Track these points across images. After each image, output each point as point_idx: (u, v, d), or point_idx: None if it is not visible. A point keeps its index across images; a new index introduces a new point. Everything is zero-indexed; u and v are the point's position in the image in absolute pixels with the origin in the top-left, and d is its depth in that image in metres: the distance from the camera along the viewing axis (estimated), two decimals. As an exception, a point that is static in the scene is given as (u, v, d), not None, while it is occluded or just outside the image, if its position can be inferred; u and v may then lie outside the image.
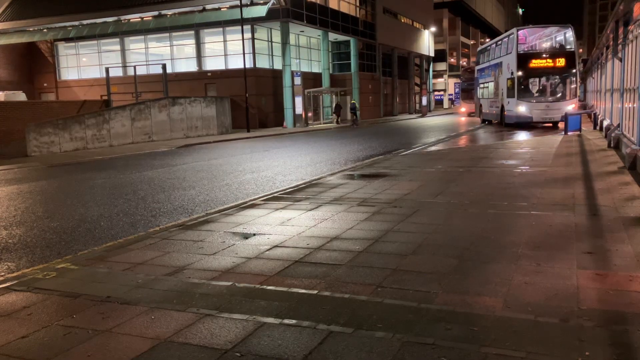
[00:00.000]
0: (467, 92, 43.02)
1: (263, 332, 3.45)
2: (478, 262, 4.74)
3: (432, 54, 61.69)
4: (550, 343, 3.15)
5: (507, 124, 25.21)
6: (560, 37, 25.50)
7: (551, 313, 3.57)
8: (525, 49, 25.58)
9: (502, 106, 25.91)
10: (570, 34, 24.38)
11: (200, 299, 4.10)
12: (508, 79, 24.79)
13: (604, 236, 5.45)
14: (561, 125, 21.70)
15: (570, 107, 23.11)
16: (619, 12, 12.20)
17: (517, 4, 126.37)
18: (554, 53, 24.41)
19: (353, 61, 43.04)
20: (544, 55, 24.42)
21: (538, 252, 4.95)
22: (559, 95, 24.15)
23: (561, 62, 23.74)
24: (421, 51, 58.21)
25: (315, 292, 4.15)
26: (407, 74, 56.01)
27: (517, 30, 25.21)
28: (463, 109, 44.60)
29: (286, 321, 3.61)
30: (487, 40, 67.32)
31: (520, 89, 23.92)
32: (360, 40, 43.99)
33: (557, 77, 24.29)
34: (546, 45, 26.95)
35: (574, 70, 23.81)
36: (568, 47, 24.39)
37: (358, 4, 44.14)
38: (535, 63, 23.92)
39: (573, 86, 23.90)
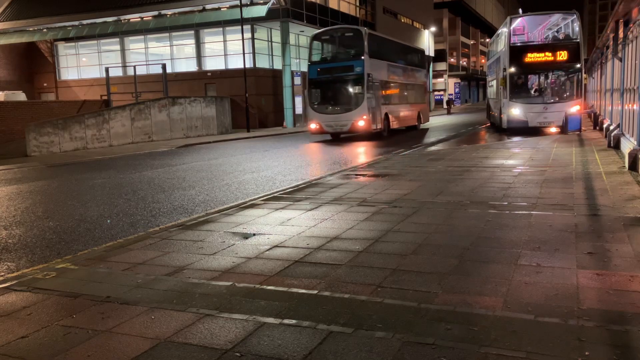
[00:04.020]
0: (322, 88, 22.39)
1: (263, 332, 3.45)
2: (478, 262, 4.74)
3: (432, 54, 61.66)
4: (550, 343, 3.15)
5: (502, 129, 21.73)
6: (563, 26, 22.11)
7: (551, 313, 3.57)
8: (520, 40, 21.95)
9: (501, 108, 22.11)
10: (575, 22, 20.39)
11: (200, 299, 4.10)
12: (501, 76, 21.21)
13: (604, 236, 5.45)
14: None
15: (574, 109, 19.57)
16: (619, 12, 12.20)
17: (517, 3, 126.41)
18: (554, 45, 20.65)
19: (353, 61, 42.89)
20: (542, 48, 20.59)
21: (538, 252, 4.95)
22: (559, 95, 20.77)
23: (563, 55, 19.81)
24: (421, 51, 58.11)
25: (315, 292, 4.15)
26: (407, 74, 55.82)
27: (511, 18, 21.39)
28: (313, 126, 22.44)
29: (286, 321, 3.60)
30: (487, 40, 67.35)
31: (513, 88, 20.36)
32: (360, 40, 43.92)
33: (558, 73, 20.82)
34: (546, 35, 23.33)
35: (578, 65, 19.72)
36: (572, 37, 20.66)
37: (358, 4, 44.14)
38: (530, 57, 20.18)
39: (577, 84, 20.02)
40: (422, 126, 29.25)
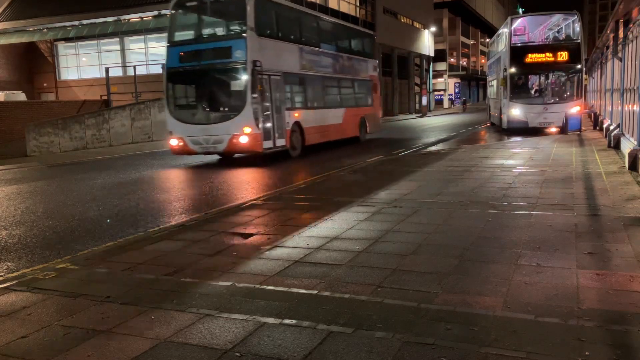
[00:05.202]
0: (186, 83, 15.24)
1: (263, 332, 3.45)
2: (478, 262, 4.74)
3: (432, 53, 61.66)
4: (550, 343, 3.15)
5: (503, 129, 21.68)
6: (563, 26, 22.17)
7: (551, 313, 3.57)
8: (520, 41, 21.93)
9: (501, 108, 22.17)
10: (576, 22, 20.46)
11: (200, 299, 4.10)
12: (502, 76, 21.23)
13: (604, 236, 5.45)
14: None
15: (574, 110, 19.60)
16: (619, 12, 12.21)
17: (517, 3, 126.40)
18: (554, 45, 20.77)
19: (353, 61, 42.86)
20: (543, 48, 20.66)
21: (538, 252, 4.95)
22: (559, 95, 20.87)
23: (563, 55, 19.86)
24: (421, 51, 58.20)
25: (315, 292, 4.15)
26: (407, 74, 56.00)
27: (512, 19, 21.45)
28: (174, 142, 14.44)
29: (286, 321, 3.60)
30: (487, 40, 67.35)
31: (514, 89, 20.38)
32: (360, 40, 43.92)
33: (558, 74, 20.90)
34: (546, 36, 23.32)
35: (578, 66, 19.71)
36: (572, 37, 20.73)
37: (358, 4, 44.14)
38: (531, 57, 20.24)
39: (577, 85, 20.04)
40: (369, 136, 21.59)
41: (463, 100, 62.55)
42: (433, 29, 60.81)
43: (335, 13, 39.71)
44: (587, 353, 3.02)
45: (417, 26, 57.36)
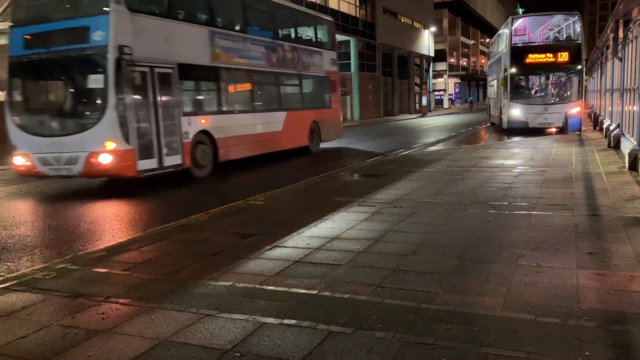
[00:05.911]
0: (32, 79, 10.89)
1: (263, 332, 3.45)
2: (478, 262, 4.74)
3: (432, 54, 61.66)
4: (550, 343, 3.15)
5: (503, 129, 21.65)
6: (564, 27, 22.15)
7: (551, 313, 3.57)
8: (521, 41, 22.02)
9: (501, 108, 22.11)
10: (577, 23, 20.55)
11: (200, 299, 4.10)
12: (502, 77, 21.27)
13: (604, 236, 5.45)
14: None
15: (574, 110, 19.68)
16: (619, 12, 12.21)
17: (517, 3, 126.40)
18: (555, 46, 20.87)
19: (353, 61, 42.98)
20: (543, 48, 20.77)
21: (538, 252, 4.95)
22: (560, 96, 20.91)
23: (564, 56, 19.94)
24: (421, 51, 58.20)
25: (315, 292, 4.15)
26: (407, 74, 56.02)
27: (512, 19, 21.55)
28: (19, 161, 10.32)
29: (286, 321, 3.61)
30: (487, 40, 67.44)
31: (514, 89, 20.49)
32: (360, 40, 43.98)
33: (559, 74, 20.89)
34: (547, 36, 23.39)
35: (579, 67, 19.79)
36: (573, 38, 20.78)
37: (358, 4, 44.13)
38: (531, 58, 20.31)
39: (578, 85, 20.06)
40: (325, 145, 17.86)
41: (470, 100, 65.16)
42: (433, 29, 60.81)
43: (335, 13, 39.71)
44: (587, 353, 3.02)
45: (417, 26, 57.37)
